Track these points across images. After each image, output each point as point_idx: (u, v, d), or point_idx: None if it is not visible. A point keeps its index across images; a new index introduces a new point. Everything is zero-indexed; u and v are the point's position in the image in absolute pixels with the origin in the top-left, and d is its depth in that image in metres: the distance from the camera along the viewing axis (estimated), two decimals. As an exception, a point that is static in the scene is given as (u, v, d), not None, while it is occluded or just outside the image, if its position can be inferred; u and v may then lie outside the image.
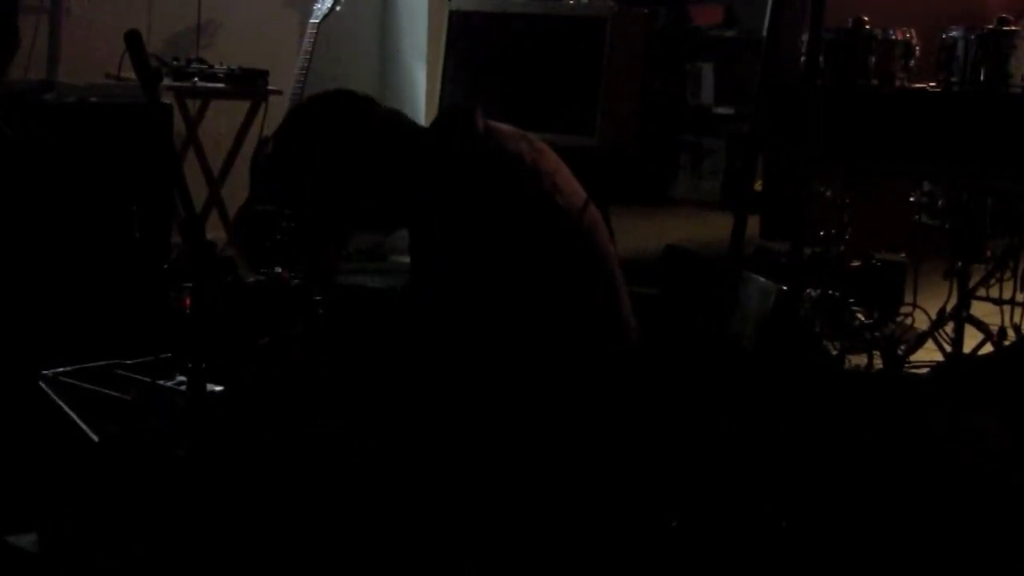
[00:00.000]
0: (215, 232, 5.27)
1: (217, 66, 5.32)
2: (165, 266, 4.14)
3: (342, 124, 2.61)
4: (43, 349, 3.26)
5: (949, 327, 4.34)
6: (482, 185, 2.56)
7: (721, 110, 7.71)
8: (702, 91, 7.83)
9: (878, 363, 4.29)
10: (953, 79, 4.08)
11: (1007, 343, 4.24)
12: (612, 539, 2.48)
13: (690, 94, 7.83)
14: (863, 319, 4.45)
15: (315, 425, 2.50)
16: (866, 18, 4.20)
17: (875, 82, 4.17)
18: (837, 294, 4.42)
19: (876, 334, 4.38)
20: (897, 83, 4.19)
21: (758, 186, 5.58)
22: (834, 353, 4.30)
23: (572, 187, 2.67)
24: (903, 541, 2.73)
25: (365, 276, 5.24)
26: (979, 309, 4.37)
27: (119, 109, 4.49)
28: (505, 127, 2.68)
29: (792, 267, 2.99)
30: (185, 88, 5.20)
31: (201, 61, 5.37)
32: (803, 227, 3.49)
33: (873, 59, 4.17)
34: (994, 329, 4.30)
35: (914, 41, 4.22)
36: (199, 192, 5.26)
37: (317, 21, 5.12)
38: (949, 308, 4.34)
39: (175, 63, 5.27)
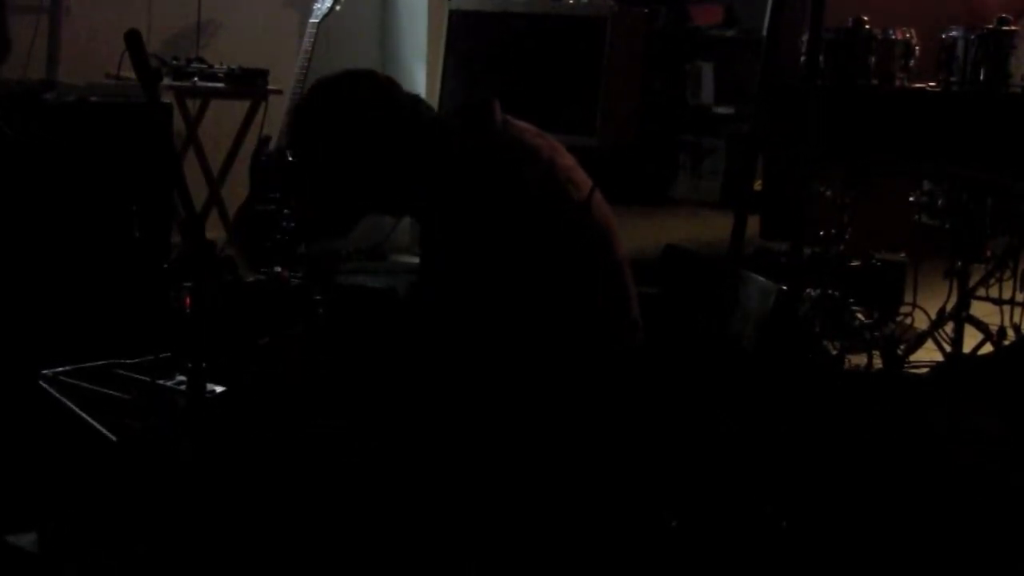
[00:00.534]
0: (215, 232, 5.27)
1: (217, 66, 5.32)
2: (165, 266, 4.13)
3: (368, 101, 2.61)
4: (43, 349, 3.26)
5: (949, 327, 4.34)
6: (499, 175, 2.56)
7: (721, 110, 7.69)
8: (702, 91, 7.82)
9: (878, 363, 4.29)
10: (953, 79, 4.09)
11: (1007, 343, 4.24)
12: (612, 539, 2.48)
13: (690, 94, 7.81)
14: (863, 319, 4.45)
15: (315, 425, 2.50)
16: (866, 18, 4.21)
17: (875, 82, 4.17)
18: (837, 294, 4.42)
19: (876, 334, 4.38)
20: (897, 83, 4.19)
21: (758, 186, 5.56)
22: (834, 353, 4.30)
23: (588, 185, 2.67)
24: (903, 541, 2.73)
25: (365, 276, 5.24)
26: (979, 309, 4.37)
27: (119, 109, 4.49)
28: (522, 123, 2.69)
29: (792, 267, 2.99)
30: (185, 88, 5.20)
31: (201, 61, 5.36)
32: (803, 227, 3.49)
33: (873, 59, 4.17)
34: (994, 329, 4.30)
35: (914, 41, 4.22)
36: (199, 192, 5.26)
37: (317, 21, 5.13)
38: (949, 308, 4.33)
39: (175, 63, 5.27)
